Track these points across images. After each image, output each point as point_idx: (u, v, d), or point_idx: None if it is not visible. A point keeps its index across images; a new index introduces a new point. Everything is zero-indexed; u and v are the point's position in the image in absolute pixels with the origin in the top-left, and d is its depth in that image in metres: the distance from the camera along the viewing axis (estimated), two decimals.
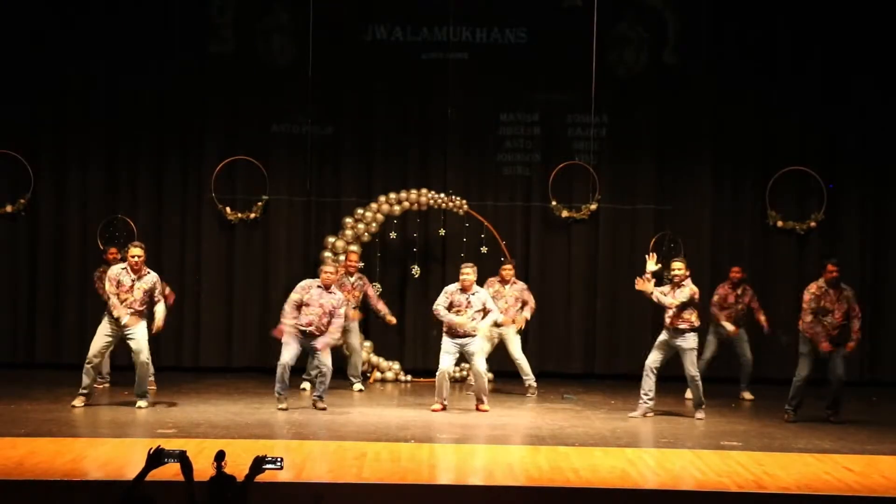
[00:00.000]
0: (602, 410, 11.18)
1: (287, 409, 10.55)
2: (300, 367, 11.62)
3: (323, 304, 10.69)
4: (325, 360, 10.73)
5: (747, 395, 12.23)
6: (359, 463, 8.04)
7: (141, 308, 10.49)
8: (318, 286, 10.77)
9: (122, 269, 10.53)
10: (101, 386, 11.54)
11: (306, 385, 12.02)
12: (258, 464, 5.37)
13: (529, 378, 12.21)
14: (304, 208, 13.69)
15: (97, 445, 8.71)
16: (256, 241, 13.66)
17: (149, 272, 10.61)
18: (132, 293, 10.45)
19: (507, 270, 12.20)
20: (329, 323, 10.69)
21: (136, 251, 10.55)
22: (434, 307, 11.03)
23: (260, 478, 5.40)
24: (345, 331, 11.81)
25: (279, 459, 5.41)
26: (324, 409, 10.67)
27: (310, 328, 10.65)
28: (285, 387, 10.70)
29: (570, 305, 13.80)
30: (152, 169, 13.62)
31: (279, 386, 10.67)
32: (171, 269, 13.49)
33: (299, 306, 10.69)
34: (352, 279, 12.38)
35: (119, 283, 10.46)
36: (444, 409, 10.84)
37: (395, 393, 12.52)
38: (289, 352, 10.68)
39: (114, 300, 10.41)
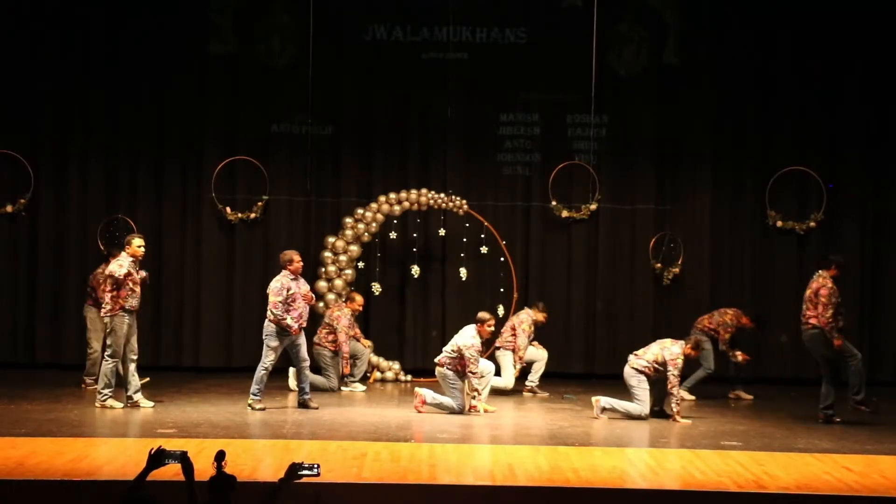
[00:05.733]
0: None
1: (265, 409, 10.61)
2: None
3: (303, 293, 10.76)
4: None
5: (744, 395, 12.22)
6: (359, 463, 8.04)
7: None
8: (291, 278, 10.74)
9: (131, 262, 10.50)
10: (90, 388, 11.47)
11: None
12: (293, 470, 5.25)
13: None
14: (304, 208, 13.69)
15: (97, 445, 8.72)
16: (256, 241, 13.66)
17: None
18: (138, 284, 10.57)
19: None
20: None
21: (142, 241, 10.62)
22: (472, 357, 10.52)
23: (255, 477, 5.39)
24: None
25: (315, 466, 5.28)
26: (316, 407, 10.73)
27: (300, 321, 10.71)
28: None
29: (570, 305, 13.79)
30: (152, 169, 13.63)
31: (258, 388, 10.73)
32: (171, 268, 13.51)
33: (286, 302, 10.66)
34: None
35: (130, 275, 10.44)
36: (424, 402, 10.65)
37: (395, 393, 12.51)
38: (273, 356, 10.72)
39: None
